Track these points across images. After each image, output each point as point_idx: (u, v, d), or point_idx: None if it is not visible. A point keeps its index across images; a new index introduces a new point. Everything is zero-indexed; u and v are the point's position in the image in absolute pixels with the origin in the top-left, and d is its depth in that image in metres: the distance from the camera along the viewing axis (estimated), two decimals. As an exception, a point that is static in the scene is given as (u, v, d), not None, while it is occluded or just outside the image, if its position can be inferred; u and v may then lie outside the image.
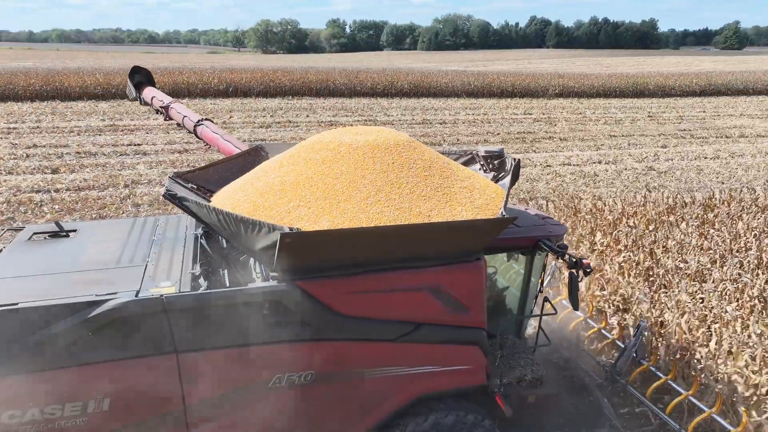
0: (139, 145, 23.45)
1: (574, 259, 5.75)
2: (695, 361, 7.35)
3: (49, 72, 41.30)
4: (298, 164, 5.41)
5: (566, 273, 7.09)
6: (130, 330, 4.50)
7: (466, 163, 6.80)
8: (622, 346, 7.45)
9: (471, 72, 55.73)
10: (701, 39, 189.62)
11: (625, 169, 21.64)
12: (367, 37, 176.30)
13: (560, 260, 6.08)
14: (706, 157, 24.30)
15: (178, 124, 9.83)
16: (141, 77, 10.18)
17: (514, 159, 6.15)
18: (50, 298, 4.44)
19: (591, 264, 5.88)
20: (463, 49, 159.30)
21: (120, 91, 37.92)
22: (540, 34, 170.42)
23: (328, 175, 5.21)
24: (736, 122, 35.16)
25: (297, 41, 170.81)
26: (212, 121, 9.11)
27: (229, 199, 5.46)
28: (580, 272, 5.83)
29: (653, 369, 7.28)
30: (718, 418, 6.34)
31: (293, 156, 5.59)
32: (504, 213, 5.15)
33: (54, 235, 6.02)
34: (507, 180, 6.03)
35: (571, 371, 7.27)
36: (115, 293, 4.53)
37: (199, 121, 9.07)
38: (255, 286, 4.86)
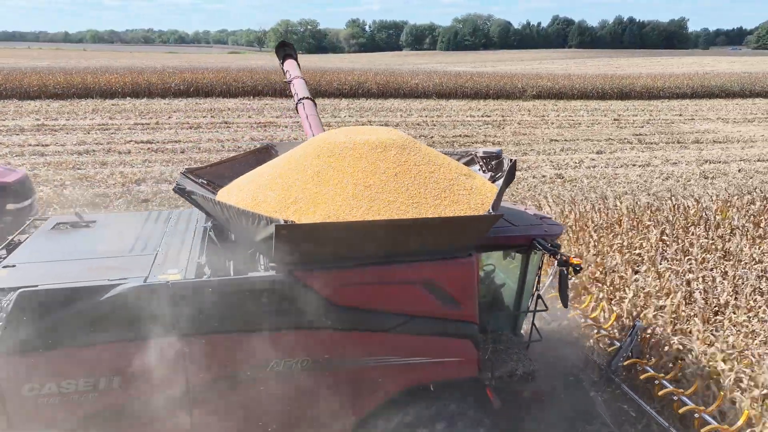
0: (46, 145, 23.14)
1: (564, 258, 5.81)
2: (688, 361, 7.25)
3: (11, 71, 41.64)
4: (300, 162, 5.66)
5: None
6: (138, 313, 4.78)
7: (466, 164, 6.89)
8: (619, 345, 7.47)
9: (443, 72, 54.42)
10: (734, 39, 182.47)
11: (532, 176, 20.34)
12: (387, 37, 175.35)
13: (551, 258, 6.15)
14: (635, 165, 22.73)
15: None
16: (289, 50, 11.23)
17: (511, 160, 6.22)
18: (67, 281, 4.82)
19: (581, 264, 6.05)
20: (482, 50, 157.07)
21: (79, 90, 38.24)
22: (562, 34, 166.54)
23: (327, 172, 5.42)
24: (707, 126, 33.17)
25: (316, 41, 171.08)
26: (314, 102, 9.73)
27: (233, 193, 5.80)
28: (570, 270, 5.90)
29: (649, 369, 7.11)
30: (708, 417, 6.25)
31: (296, 154, 5.84)
32: (491, 211, 5.18)
33: (75, 225, 6.41)
34: (501, 180, 6.05)
35: (567, 368, 7.31)
36: (126, 278, 4.89)
37: (300, 99, 9.65)
38: (254, 275, 5.14)
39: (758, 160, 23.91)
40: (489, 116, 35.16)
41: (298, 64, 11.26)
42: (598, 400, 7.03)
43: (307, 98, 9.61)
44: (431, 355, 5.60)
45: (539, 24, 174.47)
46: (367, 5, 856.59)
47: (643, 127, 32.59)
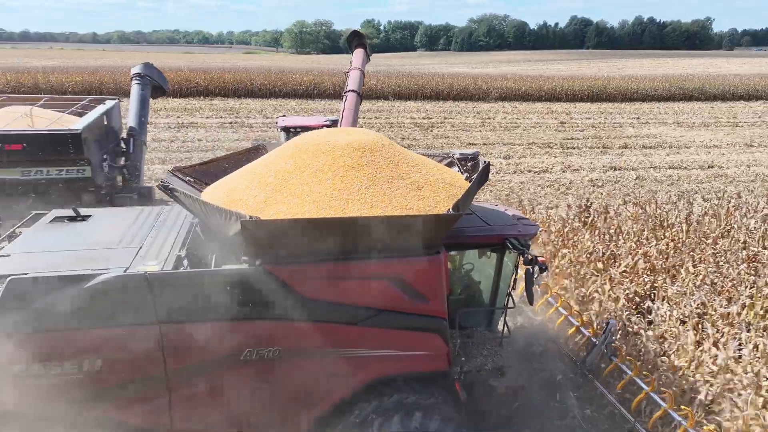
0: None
1: (530, 257, 5.98)
2: (658, 360, 7.53)
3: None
4: (277, 161, 5.91)
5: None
6: (119, 301, 5.10)
7: (447, 165, 7.04)
8: (594, 342, 7.60)
9: (407, 74, 53.87)
10: (761, 39, 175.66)
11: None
12: (401, 38, 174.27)
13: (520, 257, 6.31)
14: (530, 171, 21.54)
15: None
16: (362, 39, 11.45)
17: (485, 161, 6.43)
18: (54, 270, 5.16)
19: (546, 262, 6.28)
20: (497, 50, 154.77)
21: (29, 89, 38.58)
22: (580, 35, 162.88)
23: (300, 171, 5.65)
24: (654, 131, 31.60)
25: (330, 42, 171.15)
26: (359, 97, 9.81)
27: (216, 191, 6.08)
28: (536, 269, 6.05)
29: (622, 366, 7.26)
30: (674, 414, 6.36)
31: (276, 154, 6.12)
32: (451, 210, 5.33)
33: (72, 219, 6.70)
34: (475, 180, 6.12)
35: (544, 365, 7.44)
36: (108, 269, 5.20)
37: (346, 90, 9.88)
38: (227, 268, 5.37)
39: (670, 167, 22.48)
40: (430, 118, 34.17)
41: (368, 55, 11.40)
42: (571, 396, 7.15)
43: (352, 91, 9.72)
44: (400, 348, 5.79)
45: (556, 24, 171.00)
46: (393, 6, 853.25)
47: (584, 130, 31.17)
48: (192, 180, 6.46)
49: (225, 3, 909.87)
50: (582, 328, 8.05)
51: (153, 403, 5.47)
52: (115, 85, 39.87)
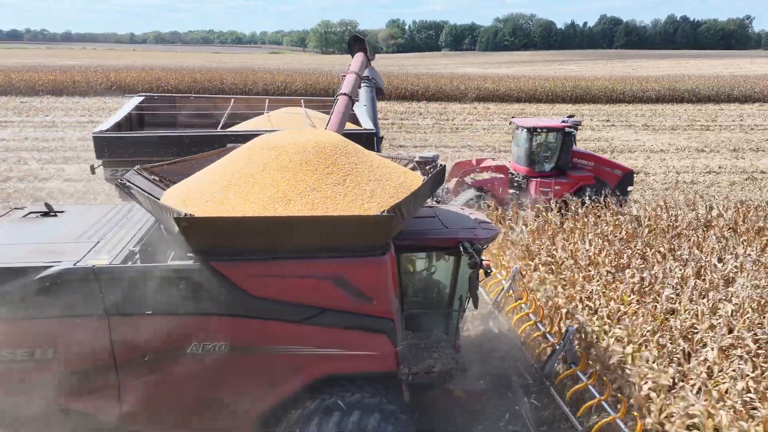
0: None
1: (475, 260, 6.02)
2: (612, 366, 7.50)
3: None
4: (233, 162, 6.04)
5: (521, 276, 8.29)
6: (68, 293, 5.30)
7: (411, 170, 7.14)
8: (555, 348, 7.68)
9: (386, 74, 52.42)
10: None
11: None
12: (426, 37, 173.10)
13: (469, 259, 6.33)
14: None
15: None
16: (362, 44, 11.88)
17: (441, 165, 6.52)
18: (6, 262, 5.38)
19: (490, 265, 6.27)
20: (522, 50, 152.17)
21: (3, 87, 39.49)
22: (609, 34, 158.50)
23: (251, 171, 5.76)
24: (611, 134, 30.22)
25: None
26: (351, 100, 10.13)
27: (177, 190, 6.18)
28: (481, 272, 6.12)
29: (580, 374, 7.24)
30: (620, 423, 6.39)
31: (234, 155, 6.24)
32: (385, 212, 5.32)
33: (45, 214, 6.95)
34: (425, 183, 6.10)
35: (504, 370, 7.54)
36: (59, 261, 5.40)
37: (340, 93, 10.19)
38: (172, 264, 5.58)
39: (590, 173, 21.19)
40: (386, 119, 33.36)
41: (368, 60, 11.82)
42: (525, 403, 7.21)
43: (344, 94, 9.94)
44: (346, 347, 5.83)
45: (585, 24, 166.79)
46: (435, 4, 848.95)
47: (536, 133, 29.88)
48: (157, 179, 6.58)
49: (263, 4, 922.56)
50: (548, 335, 8.04)
51: (102, 393, 5.64)
52: (86, 84, 40.54)
